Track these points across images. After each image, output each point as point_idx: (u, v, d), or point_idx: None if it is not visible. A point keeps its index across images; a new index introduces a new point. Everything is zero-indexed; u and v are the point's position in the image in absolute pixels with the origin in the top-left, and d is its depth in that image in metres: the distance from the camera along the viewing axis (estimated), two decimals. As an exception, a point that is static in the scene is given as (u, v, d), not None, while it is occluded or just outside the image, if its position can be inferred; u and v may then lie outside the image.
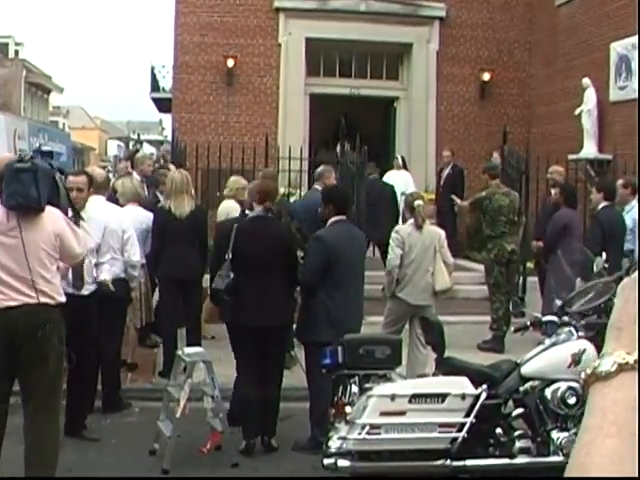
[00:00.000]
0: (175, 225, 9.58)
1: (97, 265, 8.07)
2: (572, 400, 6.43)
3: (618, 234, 10.60)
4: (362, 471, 6.20)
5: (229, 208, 10.61)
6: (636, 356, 1.12)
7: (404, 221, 10.42)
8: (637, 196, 11.27)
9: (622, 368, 1.11)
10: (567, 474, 1.10)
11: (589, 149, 17.04)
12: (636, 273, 1.19)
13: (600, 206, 10.94)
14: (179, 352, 7.83)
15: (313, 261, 7.74)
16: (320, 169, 11.56)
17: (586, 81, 17.22)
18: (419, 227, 9.33)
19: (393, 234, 9.38)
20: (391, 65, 21.03)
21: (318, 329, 7.50)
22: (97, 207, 8.31)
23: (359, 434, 6.05)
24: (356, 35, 19.66)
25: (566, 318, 6.84)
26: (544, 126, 19.64)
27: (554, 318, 7.07)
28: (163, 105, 27.43)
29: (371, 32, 19.63)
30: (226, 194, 11.27)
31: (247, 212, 8.58)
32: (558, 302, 7.44)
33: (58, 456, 6.19)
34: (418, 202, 9.43)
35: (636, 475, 1.04)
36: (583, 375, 1.16)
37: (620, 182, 11.64)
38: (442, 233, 9.57)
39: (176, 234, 9.61)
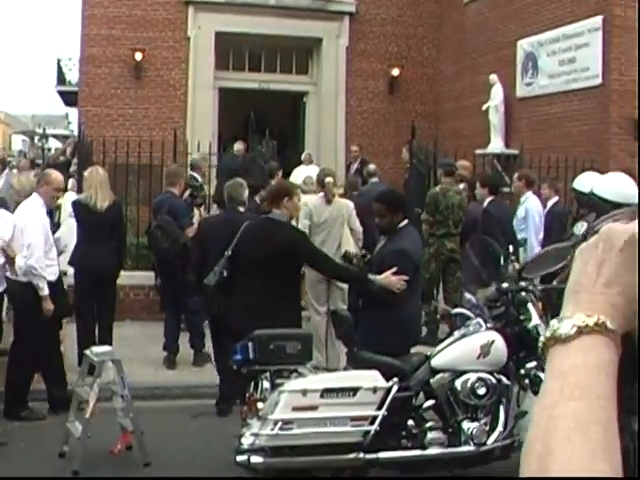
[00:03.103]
0: (94, 218, 9.48)
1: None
2: (482, 391, 6.50)
3: (508, 224, 10.85)
4: (276, 467, 6.17)
5: None
6: (595, 319, 1.11)
7: None
8: (532, 188, 11.55)
9: (581, 331, 1.11)
10: (530, 437, 1.07)
11: (496, 144, 17.34)
12: (594, 238, 1.19)
13: (487, 201, 11.12)
14: (87, 351, 7.69)
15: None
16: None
17: (493, 77, 17.51)
18: (329, 201, 9.90)
19: (303, 207, 9.51)
20: (301, 60, 21.05)
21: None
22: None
23: (272, 430, 6.02)
24: (266, 29, 19.63)
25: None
26: (452, 122, 19.89)
27: (463, 310, 7.15)
28: (70, 98, 27.01)
29: (281, 26, 19.63)
30: None
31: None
32: (467, 295, 7.53)
33: None
34: (328, 179, 10.00)
35: (602, 437, 1.04)
36: (542, 339, 1.15)
37: (515, 175, 11.93)
38: (351, 204, 9.94)
39: (95, 228, 9.53)
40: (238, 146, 16.94)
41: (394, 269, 7.10)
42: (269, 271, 7.25)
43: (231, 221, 8.26)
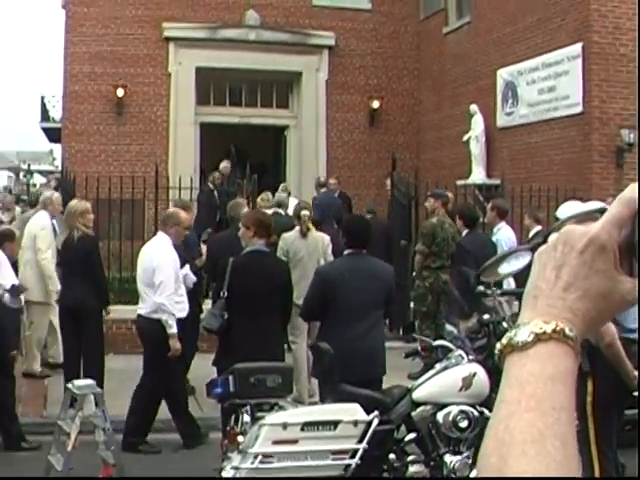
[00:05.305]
0: (66, 253, 9.52)
1: None
2: (464, 423, 6.46)
3: (484, 257, 10.76)
4: (256, 501, 6.12)
5: None
6: (553, 325, 1.06)
7: None
8: (505, 218, 11.52)
9: (539, 338, 1.06)
10: (483, 450, 1.03)
11: (477, 174, 17.38)
12: (552, 240, 1.12)
13: (464, 233, 11.11)
14: (69, 385, 7.64)
15: (308, 294, 7.43)
16: None
17: (474, 107, 17.59)
18: (304, 235, 9.89)
19: (280, 242, 9.64)
20: (281, 94, 21.14)
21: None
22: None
23: (252, 463, 5.98)
24: (246, 64, 19.74)
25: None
26: (433, 152, 19.96)
27: (445, 342, 7.12)
28: (53, 135, 27.09)
29: (261, 61, 19.73)
30: None
31: None
32: (449, 327, 7.51)
33: None
34: (304, 212, 10.05)
35: (557, 451, 0.98)
36: (499, 346, 1.09)
37: (488, 205, 11.87)
38: (327, 238, 9.93)
39: (68, 262, 9.56)
40: (224, 164, 17.17)
41: None
42: (266, 305, 7.25)
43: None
